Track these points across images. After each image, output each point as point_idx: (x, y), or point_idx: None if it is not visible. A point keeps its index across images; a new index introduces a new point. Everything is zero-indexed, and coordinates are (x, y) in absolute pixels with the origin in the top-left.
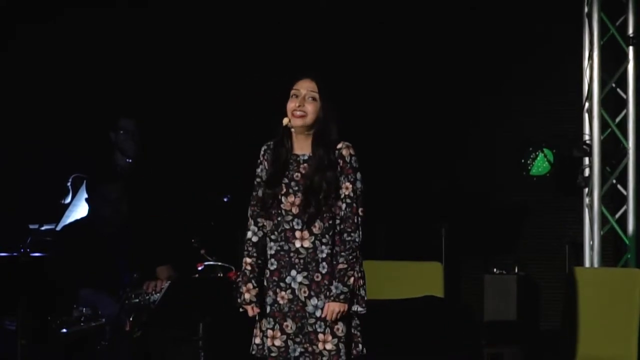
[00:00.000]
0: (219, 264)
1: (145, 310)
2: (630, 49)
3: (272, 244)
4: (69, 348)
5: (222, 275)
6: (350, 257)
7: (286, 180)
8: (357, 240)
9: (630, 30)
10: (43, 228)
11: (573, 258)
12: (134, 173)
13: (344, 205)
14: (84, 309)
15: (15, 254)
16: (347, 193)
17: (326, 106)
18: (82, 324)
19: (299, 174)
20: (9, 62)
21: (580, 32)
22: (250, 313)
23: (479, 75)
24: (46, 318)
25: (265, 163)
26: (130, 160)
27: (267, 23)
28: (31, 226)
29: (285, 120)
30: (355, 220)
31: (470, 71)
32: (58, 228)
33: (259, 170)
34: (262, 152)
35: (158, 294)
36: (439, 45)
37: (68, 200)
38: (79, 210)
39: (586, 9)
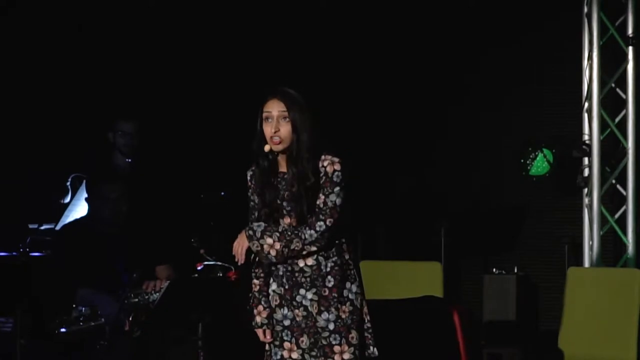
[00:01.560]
0: (219, 263)
1: (144, 310)
2: (630, 49)
3: (278, 265)
4: (68, 348)
5: (221, 275)
6: (296, 233)
7: (279, 202)
8: (313, 234)
9: (630, 31)
10: (42, 227)
11: (572, 258)
12: (133, 173)
13: (312, 216)
14: (83, 308)
15: (14, 253)
16: (318, 203)
17: (297, 122)
18: (81, 323)
19: (289, 193)
20: (8, 62)
21: (579, 33)
22: (262, 337)
23: (478, 76)
24: (45, 318)
25: (254, 187)
26: (129, 160)
27: (264, 23)
28: (30, 226)
29: (267, 148)
30: (316, 227)
31: (469, 72)
32: (57, 227)
33: (249, 194)
34: (248, 178)
35: (157, 294)
36: (438, 46)
37: (67, 199)
38: (79, 209)
39: (586, 9)
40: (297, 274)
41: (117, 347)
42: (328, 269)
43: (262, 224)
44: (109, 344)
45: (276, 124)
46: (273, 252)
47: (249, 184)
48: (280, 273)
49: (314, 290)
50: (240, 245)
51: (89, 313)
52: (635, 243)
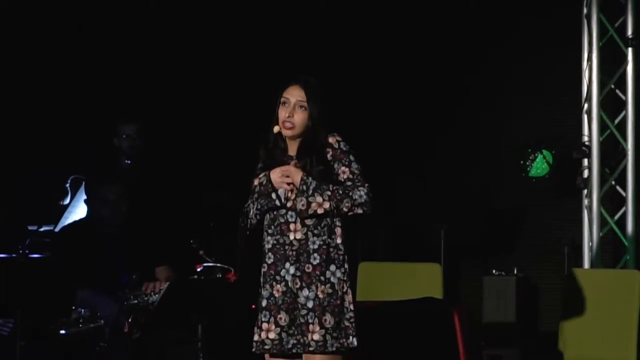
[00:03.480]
0: (218, 265)
1: (144, 311)
2: (630, 50)
3: (269, 237)
4: (67, 349)
5: (221, 276)
6: (346, 193)
7: None
8: (362, 195)
9: (630, 32)
10: (42, 229)
11: (572, 259)
12: (133, 174)
13: (348, 183)
14: (83, 310)
15: (14, 255)
16: (345, 177)
17: (315, 114)
18: (80, 325)
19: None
20: (8, 62)
21: (579, 34)
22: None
23: (478, 76)
24: (45, 319)
25: (262, 166)
26: (129, 162)
27: (265, 23)
28: (30, 227)
29: (276, 129)
30: (362, 191)
31: (469, 72)
32: (57, 229)
33: (257, 171)
34: (260, 155)
35: (157, 295)
36: (438, 47)
37: (67, 201)
38: (78, 211)
39: (585, 10)
40: (286, 247)
41: (117, 349)
42: (315, 247)
43: (314, 181)
44: (108, 346)
45: (292, 110)
46: (320, 211)
47: (260, 162)
48: (270, 245)
49: (297, 265)
50: (292, 177)
51: (89, 315)
52: (634, 244)
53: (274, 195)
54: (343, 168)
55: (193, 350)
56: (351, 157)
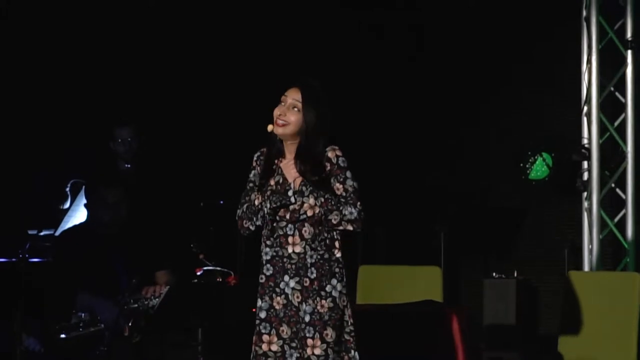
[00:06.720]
0: (218, 268)
1: (143, 315)
2: (629, 53)
3: (267, 249)
4: (67, 353)
5: (221, 280)
6: (337, 206)
7: (280, 186)
8: (353, 212)
9: (629, 34)
10: (42, 233)
11: (572, 262)
12: (133, 178)
13: (341, 200)
14: (83, 314)
15: (14, 259)
16: (339, 193)
17: (310, 117)
18: (80, 329)
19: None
20: (7, 64)
21: (578, 36)
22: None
23: (478, 78)
24: (45, 324)
25: (258, 168)
26: (129, 166)
27: (268, 26)
28: (30, 232)
29: (269, 127)
30: (354, 209)
31: (469, 74)
32: (57, 233)
33: (251, 175)
34: (255, 158)
35: (157, 299)
36: (439, 49)
37: (67, 205)
38: (78, 215)
39: (584, 13)
40: (285, 260)
41: (117, 353)
42: (313, 261)
43: (312, 185)
44: (108, 350)
45: (285, 109)
46: (310, 213)
47: (254, 164)
48: (269, 257)
49: (297, 279)
50: (291, 176)
51: (89, 319)
52: (634, 247)
53: (290, 192)
54: (337, 185)
55: (193, 353)
56: (347, 174)
